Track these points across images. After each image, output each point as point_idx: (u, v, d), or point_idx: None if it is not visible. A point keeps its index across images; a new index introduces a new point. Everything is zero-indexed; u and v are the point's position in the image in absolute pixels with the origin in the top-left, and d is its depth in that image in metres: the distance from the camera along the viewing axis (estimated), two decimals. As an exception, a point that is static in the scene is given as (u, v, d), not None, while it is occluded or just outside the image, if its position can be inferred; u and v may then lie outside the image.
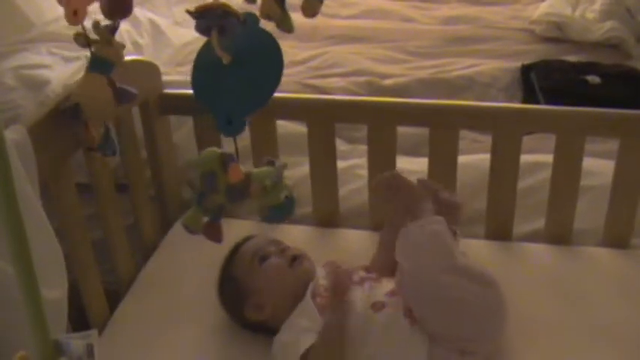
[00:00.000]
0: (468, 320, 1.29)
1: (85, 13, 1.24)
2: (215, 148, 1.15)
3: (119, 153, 1.49)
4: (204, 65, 1.10)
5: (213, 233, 1.20)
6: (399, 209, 1.43)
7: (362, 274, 1.42)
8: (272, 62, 1.07)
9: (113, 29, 1.33)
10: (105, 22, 1.31)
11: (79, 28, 1.28)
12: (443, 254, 1.32)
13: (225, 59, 1.02)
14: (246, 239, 1.49)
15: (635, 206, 1.61)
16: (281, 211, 1.18)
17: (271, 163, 1.19)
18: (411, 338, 1.28)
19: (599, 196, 1.68)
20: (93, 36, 1.31)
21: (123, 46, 1.36)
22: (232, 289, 1.42)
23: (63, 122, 1.36)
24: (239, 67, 1.04)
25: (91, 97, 1.33)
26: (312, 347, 1.27)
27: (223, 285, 1.45)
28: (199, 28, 1.02)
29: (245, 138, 1.77)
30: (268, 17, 1.12)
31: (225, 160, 1.13)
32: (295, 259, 1.43)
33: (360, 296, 1.35)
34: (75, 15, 1.22)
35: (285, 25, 1.12)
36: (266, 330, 1.39)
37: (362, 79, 2.32)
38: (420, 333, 1.28)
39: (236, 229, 1.72)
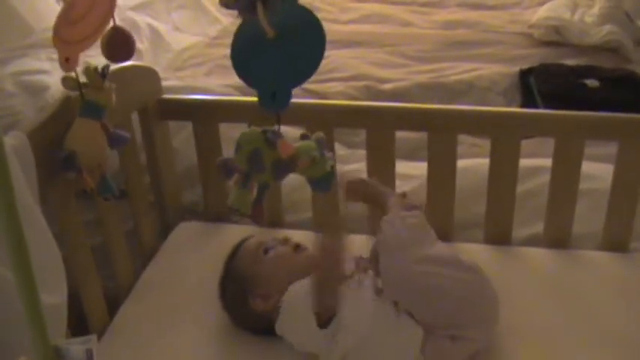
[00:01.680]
0: (447, 306, 1.31)
1: (76, 61, 1.25)
2: (255, 127, 1.15)
3: (119, 158, 1.48)
4: (244, 42, 1.10)
5: (259, 215, 1.19)
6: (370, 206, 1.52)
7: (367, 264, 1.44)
8: (313, 36, 1.07)
9: (104, 73, 1.32)
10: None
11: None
12: (419, 245, 1.35)
13: (270, 33, 1.02)
14: (248, 237, 1.51)
15: (633, 210, 1.62)
16: (328, 181, 1.21)
17: (306, 137, 1.21)
18: (408, 326, 1.30)
19: (598, 199, 1.68)
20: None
21: (114, 89, 1.34)
22: (237, 282, 1.42)
23: (62, 128, 1.36)
24: (281, 42, 1.05)
25: (85, 144, 1.32)
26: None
27: (227, 280, 1.45)
28: (243, 5, 1.02)
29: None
30: (227, 6, 1.13)
31: (271, 137, 1.13)
32: (298, 245, 1.46)
33: (369, 282, 1.37)
34: (67, 62, 1.23)
35: None
36: (266, 325, 1.39)
37: (361, 83, 2.33)
38: (414, 321, 1.30)
39: (237, 234, 1.73)
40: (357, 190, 1.52)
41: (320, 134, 1.23)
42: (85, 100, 1.31)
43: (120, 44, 1.31)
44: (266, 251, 1.44)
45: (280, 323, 1.37)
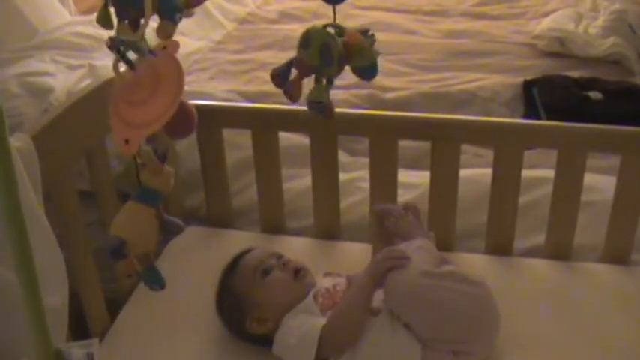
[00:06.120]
0: (454, 321, 1.30)
1: (138, 143, 1.11)
2: (316, 25, 1.22)
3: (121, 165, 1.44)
4: None
5: (329, 110, 1.29)
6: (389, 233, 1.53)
7: None
8: None
9: (164, 156, 1.20)
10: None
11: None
12: (425, 263, 1.35)
13: None
14: (245, 252, 1.48)
15: (635, 222, 1.62)
16: (374, 69, 1.27)
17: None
18: (405, 342, 1.29)
19: (600, 212, 1.68)
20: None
21: (172, 174, 1.22)
22: (234, 303, 1.42)
23: (66, 130, 1.36)
24: None
25: (137, 233, 1.19)
26: (332, 315, 1.32)
27: (223, 298, 1.45)
28: None
29: (247, 149, 1.77)
30: (110, 46, 1.10)
31: (337, 29, 1.24)
32: (298, 271, 1.43)
33: None
34: (126, 144, 1.09)
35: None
36: (265, 341, 1.39)
37: (364, 91, 2.33)
38: (414, 336, 1.29)
39: (237, 240, 1.73)
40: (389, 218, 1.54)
41: (368, 31, 1.30)
42: (142, 185, 1.20)
43: (181, 120, 1.24)
44: (265, 273, 1.42)
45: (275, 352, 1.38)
